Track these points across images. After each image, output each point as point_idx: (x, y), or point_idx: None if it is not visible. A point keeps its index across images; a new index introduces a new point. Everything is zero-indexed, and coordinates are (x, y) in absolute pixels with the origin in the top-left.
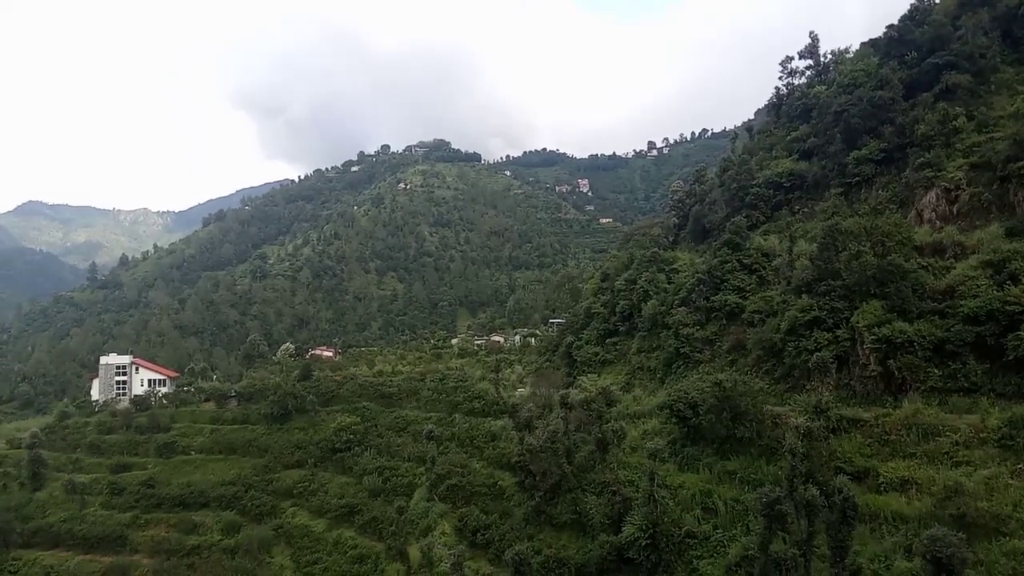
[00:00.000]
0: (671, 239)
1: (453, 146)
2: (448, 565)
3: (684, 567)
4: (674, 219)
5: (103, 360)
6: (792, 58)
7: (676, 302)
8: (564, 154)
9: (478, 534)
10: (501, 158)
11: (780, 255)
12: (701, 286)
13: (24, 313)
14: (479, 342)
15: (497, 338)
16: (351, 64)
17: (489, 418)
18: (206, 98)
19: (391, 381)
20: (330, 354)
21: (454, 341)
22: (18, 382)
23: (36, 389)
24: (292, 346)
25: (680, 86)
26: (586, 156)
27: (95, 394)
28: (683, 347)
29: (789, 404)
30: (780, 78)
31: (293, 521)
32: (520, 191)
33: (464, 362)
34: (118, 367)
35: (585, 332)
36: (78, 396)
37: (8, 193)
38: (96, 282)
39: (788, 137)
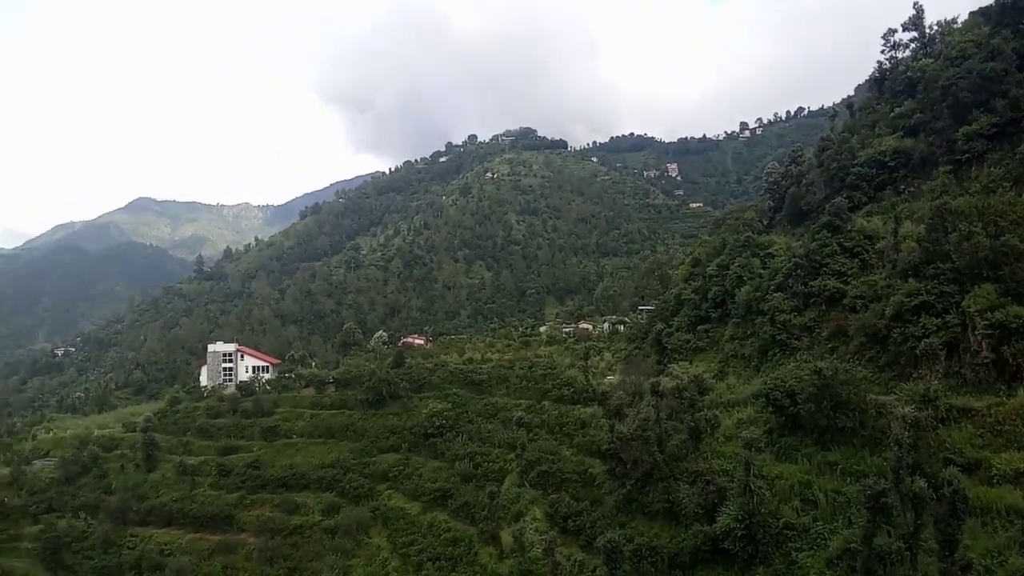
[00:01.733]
0: (765, 223)
1: (539, 134)
2: (540, 550)
3: (782, 559)
4: (768, 202)
5: (210, 348)
6: (895, 30)
7: (771, 287)
8: (652, 138)
9: (569, 520)
10: (587, 144)
11: (884, 237)
12: (798, 271)
13: (136, 304)
14: (567, 330)
15: (585, 326)
16: (436, 53)
17: (578, 405)
18: (300, 95)
19: (481, 368)
20: (421, 342)
21: (542, 329)
22: (132, 369)
23: (148, 376)
24: (385, 334)
25: (773, 63)
26: (675, 139)
27: (203, 380)
28: (779, 334)
29: (894, 393)
30: (882, 52)
31: (389, 503)
32: (607, 177)
33: (552, 350)
34: (224, 354)
35: (675, 319)
36: (188, 382)
37: (120, 191)
38: (202, 274)
39: (892, 113)
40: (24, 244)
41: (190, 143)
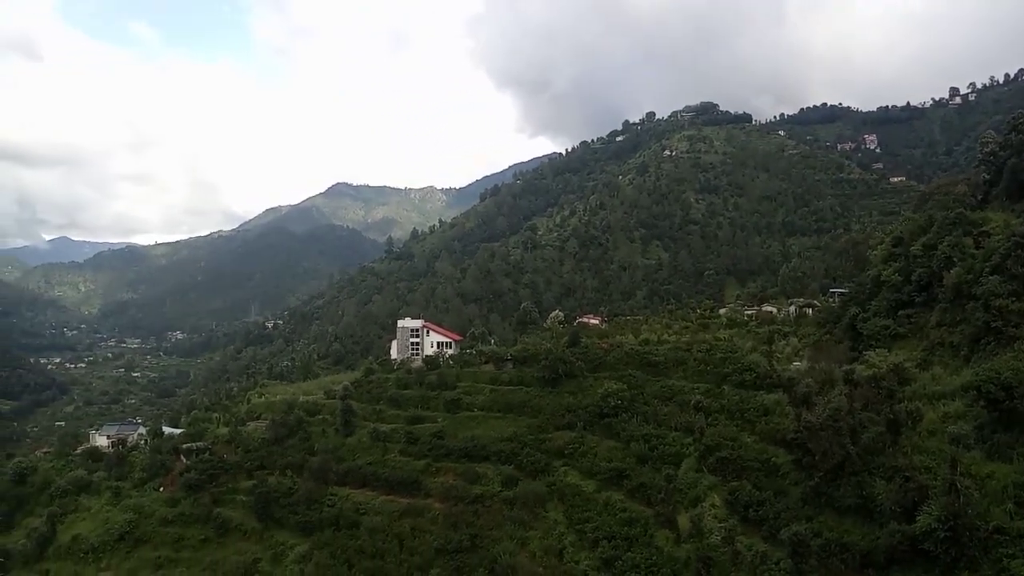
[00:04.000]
0: (980, 198)
1: (721, 108)
2: (719, 538)
3: (991, 565)
4: (984, 175)
5: (400, 323)
6: None
7: (986, 270)
8: (847, 108)
9: (750, 510)
10: (773, 117)
11: None
12: (1019, 251)
13: (335, 282)
14: (749, 312)
15: (769, 308)
16: (612, 30)
17: (761, 391)
18: (478, 80)
19: (657, 350)
20: (596, 322)
21: (722, 311)
22: (331, 341)
23: (345, 348)
24: (561, 313)
25: (985, 22)
26: (873, 109)
27: (393, 353)
28: (994, 321)
29: None
30: None
31: (565, 480)
32: (795, 151)
33: (733, 333)
34: (412, 330)
35: (872, 303)
36: (380, 355)
37: (321, 177)
38: (392, 254)
39: None
40: (240, 226)
41: (381, 131)
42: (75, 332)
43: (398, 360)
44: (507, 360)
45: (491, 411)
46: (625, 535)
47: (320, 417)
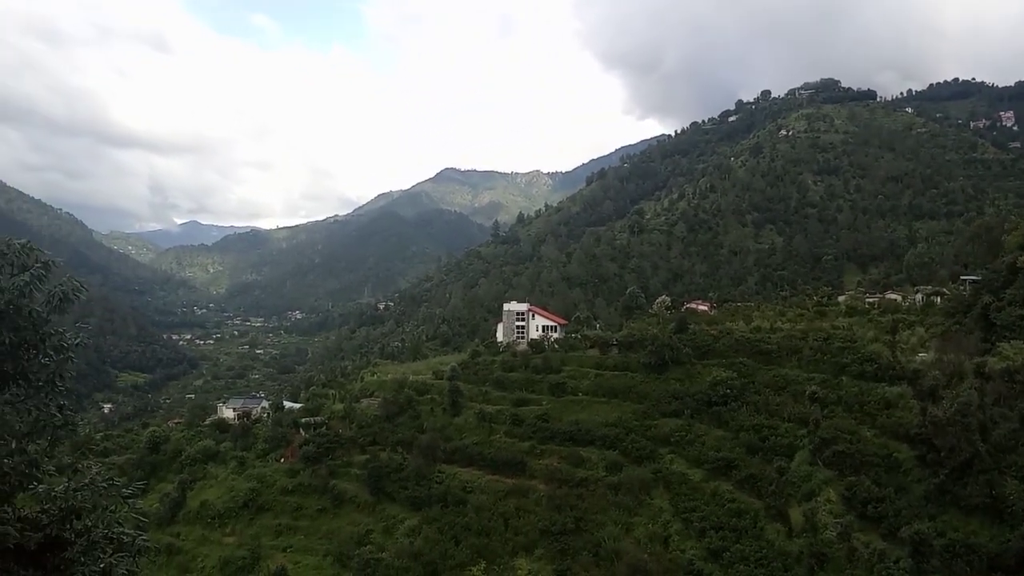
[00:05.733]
0: None
1: (842, 85)
2: (834, 534)
3: None
4: None
5: (505, 307)
6: None
7: None
8: (980, 83)
9: (868, 506)
10: (899, 94)
11: None
12: None
13: (443, 265)
14: (870, 300)
15: (893, 296)
16: (725, 6)
17: (882, 383)
18: (585, 63)
19: (769, 338)
20: (705, 308)
21: (841, 298)
22: (439, 324)
23: (452, 330)
24: (668, 299)
25: None
26: (1009, 83)
27: (499, 336)
28: None
29: None
30: None
31: (671, 467)
32: (924, 129)
33: (853, 321)
34: (517, 313)
35: (1007, 291)
36: (486, 337)
37: (429, 163)
38: (498, 238)
39: None
40: (353, 211)
41: (488, 116)
42: (204, 311)
43: (504, 343)
44: (612, 345)
45: (596, 396)
46: (733, 526)
47: (429, 396)
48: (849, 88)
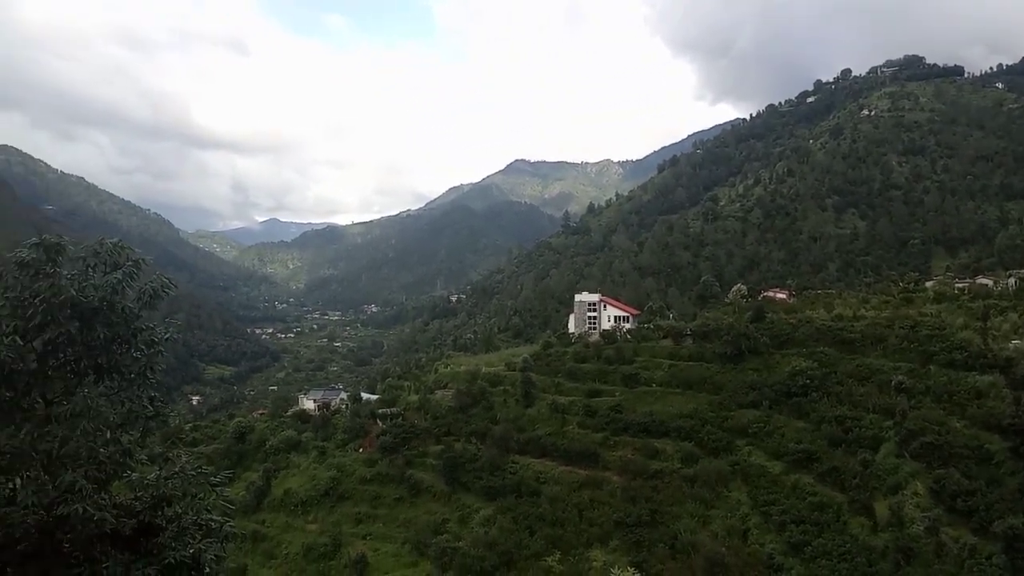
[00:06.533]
0: None
1: (927, 61)
2: (922, 528)
3: None
4: None
5: (577, 298)
6: None
7: None
8: None
9: (958, 500)
10: (988, 69)
11: None
12: None
13: (514, 257)
14: (960, 285)
15: (984, 281)
16: None
17: (973, 372)
18: (654, 49)
19: (852, 326)
20: (783, 296)
21: (928, 284)
22: (511, 315)
23: (524, 321)
24: (744, 287)
25: None
26: None
27: (571, 327)
28: None
29: None
30: None
31: (749, 460)
32: (1016, 105)
33: (941, 308)
34: (589, 304)
35: None
36: (557, 328)
37: (499, 155)
38: (569, 229)
39: None
40: (426, 205)
41: (558, 107)
42: (284, 306)
43: (576, 334)
44: (687, 335)
45: (670, 387)
46: (815, 520)
47: (501, 388)
48: (934, 64)
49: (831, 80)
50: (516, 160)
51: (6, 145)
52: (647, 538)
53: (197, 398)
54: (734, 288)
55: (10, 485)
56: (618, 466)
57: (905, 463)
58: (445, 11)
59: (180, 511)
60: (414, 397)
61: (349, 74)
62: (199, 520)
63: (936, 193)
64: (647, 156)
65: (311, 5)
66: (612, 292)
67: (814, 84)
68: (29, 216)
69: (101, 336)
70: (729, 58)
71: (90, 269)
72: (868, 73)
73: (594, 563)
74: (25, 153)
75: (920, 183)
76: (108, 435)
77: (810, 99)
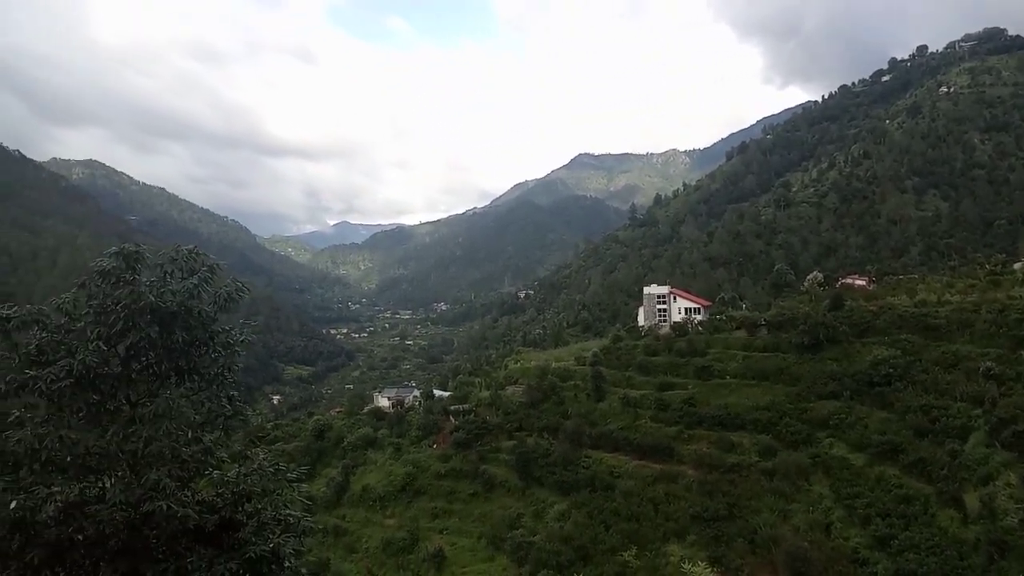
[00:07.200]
0: None
1: (1009, 33)
2: (1016, 520)
3: None
4: None
5: (646, 290)
6: None
7: None
8: None
9: None
10: None
11: None
12: None
13: (581, 251)
14: None
15: None
16: None
17: None
18: (719, 34)
19: (937, 312)
20: (862, 282)
21: (1016, 266)
22: (579, 310)
23: (593, 315)
24: (820, 275)
25: None
26: None
27: (640, 320)
28: None
29: None
30: None
31: (830, 452)
32: None
33: None
34: (658, 296)
35: None
36: (626, 322)
37: (563, 150)
38: (635, 221)
39: None
40: (491, 202)
41: (621, 99)
42: (357, 306)
43: (645, 327)
44: (761, 325)
45: (744, 378)
46: (901, 513)
47: (572, 383)
48: (1017, 36)
49: (906, 57)
50: (580, 154)
51: (91, 159)
52: (725, 532)
53: (278, 397)
54: (810, 276)
55: (99, 484)
56: (693, 460)
57: (996, 453)
58: (505, 7)
59: (259, 507)
60: (485, 393)
61: (412, 75)
62: (278, 515)
63: (1022, 171)
64: (714, 144)
65: (373, 10)
66: (682, 284)
67: (889, 62)
68: (115, 227)
69: (180, 339)
70: (798, 39)
71: (168, 275)
72: (946, 48)
73: (671, 558)
74: (108, 166)
75: (1005, 161)
76: (190, 435)
77: (885, 78)
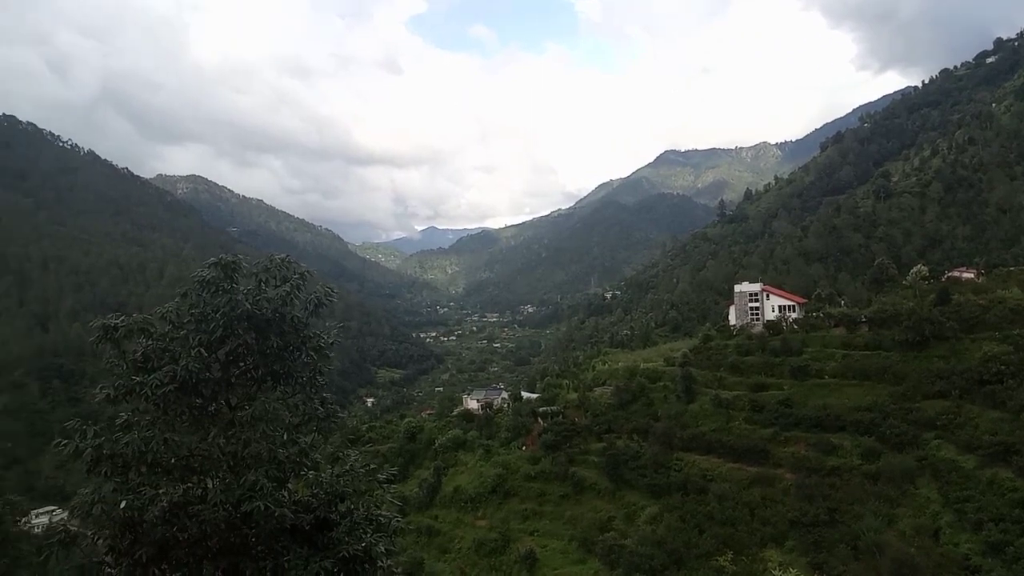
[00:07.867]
0: None
1: None
2: None
3: None
4: None
5: (737, 288)
6: None
7: None
8: None
9: None
10: None
11: None
12: None
13: (668, 250)
14: None
15: None
16: None
17: None
18: (810, 22)
19: None
20: (971, 275)
21: None
22: (668, 309)
23: (682, 315)
24: (925, 268)
25: None
26: None
27: (732, 319)
28: None
29: None
30: None
31: (937, 454)
32: None
33: None
34: (750, 294)
35: None
36: (717, 321)
37: (647, 148)
38: (724, 217)
39: None
40: (575, 203)
41: (707, 94)
42: (445, 310)
43: (737, 326)
44: (861, 322)
45: (844, 378)
46: (1016, 518)
47: (661, 384)
48: None
49: (1013, 37)
50: (666, 151)
51: (194, 175)
52: (826, 538)
53: (371, 400)
54: (913, 270)
55: (201, 485)
56: (790, 463)
57: None
58: (587, 8)
59: (352, 507)
60: (573, 395)
61: (494, 80)
62: (370, 515)
63: None
64: (807, 135)
65: (456, 19)
66: (775, 281)
67: (994, 43)
68: (217, 238)
69: (275, 345)
70: (894, 23)
71: (262, 283)
72: None
73: (769, 564)
74: (211, 181)
75: None
76: (285, 437)
77: (990, 59)
